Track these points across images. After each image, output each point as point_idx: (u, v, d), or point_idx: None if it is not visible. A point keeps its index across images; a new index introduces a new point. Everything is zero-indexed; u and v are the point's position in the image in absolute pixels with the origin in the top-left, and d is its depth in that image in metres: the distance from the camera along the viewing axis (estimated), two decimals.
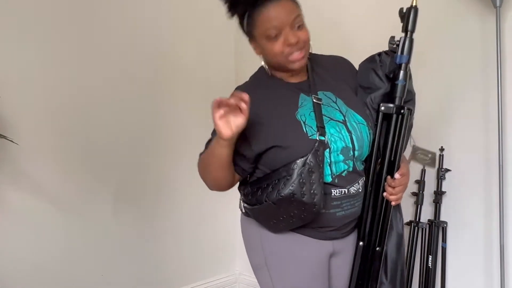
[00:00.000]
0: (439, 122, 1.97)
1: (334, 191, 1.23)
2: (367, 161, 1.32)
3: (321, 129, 1.21)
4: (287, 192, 1.15)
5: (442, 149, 1.94)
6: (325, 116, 1.25)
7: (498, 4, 1.69)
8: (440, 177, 1.93)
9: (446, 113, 1.96)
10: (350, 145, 1.24)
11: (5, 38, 1.92)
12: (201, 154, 1.31)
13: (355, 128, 1.27)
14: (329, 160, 1.22)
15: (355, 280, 1.36)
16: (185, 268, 2.57)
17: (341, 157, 1.24)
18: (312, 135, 1.21)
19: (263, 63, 1.32)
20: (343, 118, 1.28)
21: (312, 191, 1.15)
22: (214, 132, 1.18)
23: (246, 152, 1.23)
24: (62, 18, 2.08)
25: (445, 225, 1.94)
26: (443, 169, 1.93)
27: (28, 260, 2.00)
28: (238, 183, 1.35)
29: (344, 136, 1.24)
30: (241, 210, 1.40)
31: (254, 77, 1.36)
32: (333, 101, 1.30)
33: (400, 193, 1.30)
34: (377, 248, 1.33)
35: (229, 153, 1.18)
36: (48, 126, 2.04)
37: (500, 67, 1.72)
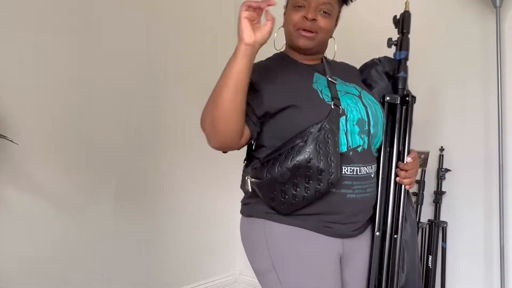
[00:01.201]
0: (439, 122, 1.97)
1: (345, 169, 1.18)
2: (379, 151, 1.32)
3: (336, 100, 1.19)
4: (302, 158, 1.09)
5: (442, 149, 1.94)
6: (340, 91, 1.25)
7: (498, 4, 1.69)
8: (440, 177, 1.93)
9: (446, 113, 1.96)
10: (366, 118, 1.22)
11: (5, 38, 1.92)
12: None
13: (370, 105, 1.26)
14: (345, 128, 1.18)
15: (375, 275, 1.30)
16: (185, 267, 2.58)
17: (357, 129, 1.21)
18: (328, 101, 1.19)
19: (276, 34, 1.30)
20: (358, 93, 1.28)
21: (329, 157, 1.10)
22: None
23: (255, 105, 1.18)
24: (62, 18, 2.08)
25: (445, 225, 1.94)
26: (443, 169, 1.93)
27: (28, 260, 2.00)
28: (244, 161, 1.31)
29: (360, 108, 1.23)
30: (241, 211, 1.33)
31: (269, 58, 1.37)
32: (348, 82, 1.32)
33: (413, 176, 1.31)
34: (395, 236, 1.30)
35: (248, 67, 1.08)
36: (48, 126, 2.04)
37: (500, 67, 1.72)
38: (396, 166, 1.31)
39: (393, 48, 1.42)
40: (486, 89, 1.83)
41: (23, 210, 1.98)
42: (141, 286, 2.38)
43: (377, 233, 1.30)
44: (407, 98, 1.33)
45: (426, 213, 1.98)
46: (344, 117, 1.18)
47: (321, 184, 1.12)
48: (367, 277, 1.31)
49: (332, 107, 1.16)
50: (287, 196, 1.15)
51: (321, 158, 1.09)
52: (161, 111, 2.45)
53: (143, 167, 2.38)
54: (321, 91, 1.22)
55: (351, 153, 1.19)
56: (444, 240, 1.95)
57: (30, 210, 2.00)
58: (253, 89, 1.17)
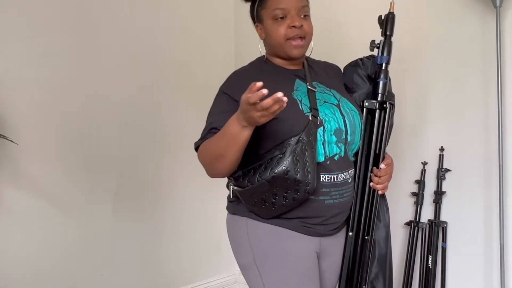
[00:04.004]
0: (439, 122, 1.97)
1: (323, 177, 1.25)
2: (356, 155, 1.38)
3: (314, 110, 1.24)
4: (280, 169, 1.14)
5: (442, 149, 1.94)
6: (319, 100, 1.29)
7: (498, 4, 1.69)
8: (440, 177, 1.93)
9: (446, 112, 1.96)
10: (343, 128, 1.28)
11: (5, 38, 1.92)
12: (200, 142, 1.29)
13: (348, 113, 1.31)
14: (322, 139, 1.24)
15: (346, 272, 1.40)
16: (185, 268, 2.57)
17: (334, 138, 1.26)
18: (307, 112, 1.24)
19: (261, 46, 1.38)
20: (337, 102, 1.33)
21: (305, 169, 1.16)
22: (213, 118, 1.26)
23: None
24: (63, 18, 2.08)
25: (445, 225, 1.94)
26: (443, 169, 1.93)
27: (28, 260, 2.00)
28: None
29: (338, 118, 1.28)
30: (227, 207, 1.40)
31: (252, 63, 1.42)
32: (328, 89, 1.36)
33: (386, 182, 1.39)
34: (366, 237, 1.40)
35: (250, 134, 1.14)
36: (48, 126, 2.04)
37: (500, 67, 1.72)
38: (371, 171, 1.38)
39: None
40: (486, 89, 1.83)
41: (23, 210, 1.98)
42: (141, 286, 2.38)
43: (350, 233, 1.39)
44: (384, 105, 1.38)
45: (426, 213, 1.98)
46: (322, 128, 1.24)
47: (298, 193, 1.18)
48: (339, 270, 1.42)
49: (310, 118, 1.22)
50: (266, 204, 1.22)
51: (298, 170, 1.15)
52: (161, 112, 2.45)
53: (143, 167, 2.38)
54: (300, 101, 1.26)
55: (328, 162, 1.26)
56: (444, 240, 1.95)
57: (30, 210, 2.00)
58: (234, 103, 1.21)
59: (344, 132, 1.28)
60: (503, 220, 1.74)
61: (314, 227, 1.29)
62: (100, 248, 2.23)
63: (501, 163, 1.74)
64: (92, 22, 2.18)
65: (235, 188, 1.28)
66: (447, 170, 1.94)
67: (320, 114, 1.25)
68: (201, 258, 2.65)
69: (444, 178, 1.94)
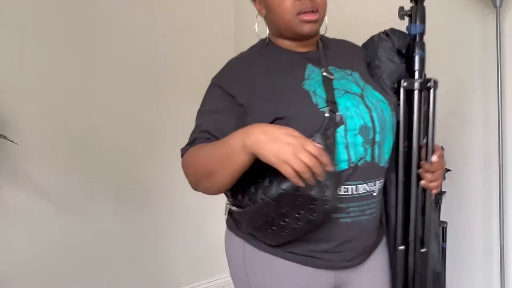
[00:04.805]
0: (439, 122, 1.96)
1: (338, 189, 0.98)
2: (389, 159, 1.09)
3: (332, 104, 0.96)
4: (289, 185, 0.87)
5: (442, 149, 1.94)
6: (338, 89, 1.02)
7: (498, 4, 1.69)
8: None
9: (446, 113, 1.95)
10: (370, 124, 1.00)
11: (5, 38, 1.92)
12: (186, 149, 1.04)
13: (375, 105, 1.03)
14: (345, 141, 0.97)
15: None
16: (185, 267, 2.57)
17: (359, 139, 0.98)
18: (323, 107, 0.97)
19: (257, 26, 1.11)
20: (360, 91, 1.04)
21: (322, 183, 0.88)
22: (203, 118, 1.02)
23: (240, 125, 0.97)
24: (63, 18, 2.08)
25: (445, 225, 1.94)
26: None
27: (28, 260, 2.00)
28: None
29: (362, 111, 1.00)
30: (226, 220, 1.17)
31: (252, 47, 1.17)
32: (349, 74, 1.09)
33: (440, 178, 1.11)
34: (422, 250, 1.09)
35: (252, 162, 0.90)
36: (48, 126, 2.04)
37: (500, 67, 1.72)
38: (418, 167, 1.09)
39: (400, 24, 1.17)
40: (486, 89, 1.83)
41: (22, 210, 1.98)
42: (141, 286, 2.38)
43: (401, 247, 1.09)
44: (428, 84, 1.10)
45: None
46: (343, 126, 0.97)
47: (314, 214, 0.92)
48: None
49: (327, 114, 0.95)
50: (274, 228, 0.96)
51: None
52: (161, 112, 2.45)
53: (143, 167, 2.38)
54: (314, 92, 1.00)
55: (350, 170, 0.99)
56: (444, 240, 1.94)
57: (29, 210, 2.00)
58: (235, 105, 1.01)
59: (371, 129, 1.00)
60: (503, 220, 1.74)
61: (324, 255, 1.02)
62: (100, 248, 2.23)
63: (501, 163, 1.74)
64: (92, 22, 2.18)
65: (233, 208, 1.02)
66: (447, 170, 1.94)
67: (339, 108, 0.97)
68: (201, 258, 2.64)
69: (444, 178, 1.94)
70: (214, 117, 1.03)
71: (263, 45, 1.14)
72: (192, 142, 1.04)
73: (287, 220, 0.93)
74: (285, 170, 0.81)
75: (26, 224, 2.00)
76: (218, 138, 0.99)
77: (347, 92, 1.03)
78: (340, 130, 0.97)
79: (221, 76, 1.11)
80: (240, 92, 1.04)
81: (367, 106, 1.02)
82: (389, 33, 1.16)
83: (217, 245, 2.73)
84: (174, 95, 2.50)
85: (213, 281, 2.70)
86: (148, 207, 2.41)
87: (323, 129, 0.93)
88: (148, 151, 2.40)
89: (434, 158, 1.10)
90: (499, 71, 1.72)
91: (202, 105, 1.11)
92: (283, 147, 0.81)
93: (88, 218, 2.18)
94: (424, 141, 1.13)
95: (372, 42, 1.18)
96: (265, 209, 0.93)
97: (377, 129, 1.02)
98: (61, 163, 2.09)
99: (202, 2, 2.59)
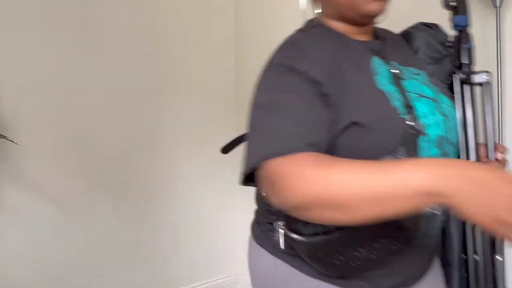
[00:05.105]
0: None
1: None
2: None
3: (410, 109, 0.80)
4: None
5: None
6: (410, 92, 0.85)
7: (498, 4, 1.69)
8: None
9: None
10: (446, 134, 0.85)
11: (5, 38, 1.92)
12: (291, 163, 0.71)
13: (450, 112, 0.89)
14: (423, 155, 0.81)
15: None
16: (185, 267, 2.57)
17: (436, 152, 0.82)
18: (403, 113, 0.79)
19: (305, 3, 0.89)
20: (433, 95, 0.89)
21: None
22: (293, 118, 0.72)
23: (329, 124, 0.77)
24: (63, 18, 2.08)
25: None
26: None
27: (28, 260, 2.00)
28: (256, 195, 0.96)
29: (438, 119, 0.84)
30: (252, 228, 0.98)
31: (303, 29, 0.92)
32: (415, 73, 0.93)
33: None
34: (498, 257, 0.94)
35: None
36: (48, 126, 2.04)
37: (500, 67, 1.72)
38: None
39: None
40: None
41: (22, 210, 1.98)
42: (141, 286, 2.38)
43: (476, 257, 0.91)
44: (484, 76, 1.01)
45: None
46: (423, 137, 0.80)
47: (398, 243, 0.76)
48: None
49: (410, 123, 0.78)
50: (342, 259, 0.77)
51: None
52: (161, 113, 2.45)
53: (143, 167, 2.38)
54: (390, 94, 0.82)
55: None
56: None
57: (29, 210, 2.00)
58: (314, 86, 0.76)
59: (446, 141, 0.85)
60: None
61: (378, 280, 0.84)
62: (100, 248, 2.23)
63: None
64: (92, 22, 2.18)
65: (293, 235, 0.79)
66: None
67: (419, 116, 0.81)
68: (201, 258, 2.64)
69: None
70: (306, 118, 0.74)
71: (320, 29, 0.90)
72: (281, 152, 0.70)
73: (361, 250, 0.75)
74: (509, 237, 0.58)
75: (26, 224, 2.00)
76: (323, 150, 0.73)
77: (421, 96, 0.86)
78: (421, 141, 0.80)
79: (294, 55, 0.81)
80: (326, 78, 0.79)
81: (443, 113, 0.87)
82: (430, 25, 1.05)
83: (217, 246, 2.75)
84: (174, 95, 2.50)
85: (213, 281, 2.70)
86: (148, 207, 2.41)
87: (408, 142, 0.76)
88: (148, 151, 2.40)
89: (498, 155, 0.95)
90: (499, 71, 1.72)
91: (272, 97, 0.77)
92: (506, 204, 0.55)
93: (88, 218, 2.18)
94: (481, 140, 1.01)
95: (416, 31, 1.05)
96: (339, 240, 0.74)
97: (451, 139, 0.87)
98: (61, 163, 2.09)
99: (202, 2, 2.59)
